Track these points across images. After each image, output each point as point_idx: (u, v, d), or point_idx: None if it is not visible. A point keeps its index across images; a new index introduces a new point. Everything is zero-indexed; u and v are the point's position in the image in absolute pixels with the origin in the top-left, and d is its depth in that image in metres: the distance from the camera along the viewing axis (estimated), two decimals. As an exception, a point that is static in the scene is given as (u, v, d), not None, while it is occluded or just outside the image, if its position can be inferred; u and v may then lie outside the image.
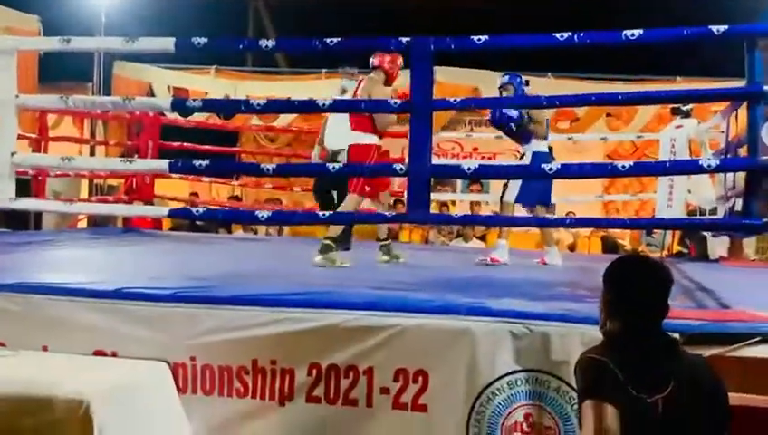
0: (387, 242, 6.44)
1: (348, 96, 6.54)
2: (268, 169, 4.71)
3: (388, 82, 6.31)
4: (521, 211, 6.79)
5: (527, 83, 6.86)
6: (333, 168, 4.81)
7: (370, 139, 6.11)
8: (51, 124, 9.15)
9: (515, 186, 6.43)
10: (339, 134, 6.65)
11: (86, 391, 3.28)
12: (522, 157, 6.80)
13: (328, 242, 5.64)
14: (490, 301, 3.87)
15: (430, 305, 3.70)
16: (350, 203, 5.92)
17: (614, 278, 2.64)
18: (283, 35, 14.83)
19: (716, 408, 2.47)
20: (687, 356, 2.60)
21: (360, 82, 6.40)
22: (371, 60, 6.22)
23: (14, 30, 9.56)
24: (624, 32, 4.20)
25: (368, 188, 5.98)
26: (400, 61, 6.18)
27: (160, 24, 11.43)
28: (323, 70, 12.34)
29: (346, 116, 6.18)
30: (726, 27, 4.15)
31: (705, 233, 7.75)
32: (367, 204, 6.36)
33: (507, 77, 6.90)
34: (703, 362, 2.67)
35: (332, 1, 11.23)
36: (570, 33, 4.21)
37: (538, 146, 6.60)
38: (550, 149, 6.73)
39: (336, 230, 5.73)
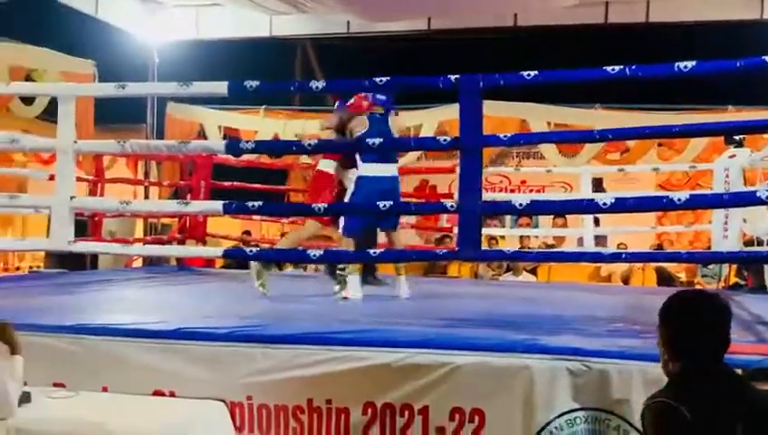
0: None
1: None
2: (320, 209, 4.75)
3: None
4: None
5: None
6: (384, 206, 4.83)
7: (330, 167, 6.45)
8: (105, 165, 9.34)
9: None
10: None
11: (146, 432, 3.33)
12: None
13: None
14: (546, 338, 3.84)
15: (486, 343, 3.69)
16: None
17: (673, 316, 2.58)
18: (329, 73, 15.01)
19: None
20: (756, 392, 2.53)
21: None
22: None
23: (69, 75, 9.80)
24: (677, 64, 4.17)
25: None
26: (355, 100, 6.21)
27: (208, 65, 11.67)
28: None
29: None
30: (780, 57, 4.10)
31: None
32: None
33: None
34: None
35: (377, 38, 11.36)
36: (621, 67, 4.19)
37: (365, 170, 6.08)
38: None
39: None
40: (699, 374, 2.48)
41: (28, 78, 9.64)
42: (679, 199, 4.18)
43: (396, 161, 6.17)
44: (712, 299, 2.63)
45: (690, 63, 4.16)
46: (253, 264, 6.02)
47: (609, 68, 4.22)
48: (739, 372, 3.06)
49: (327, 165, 6.54)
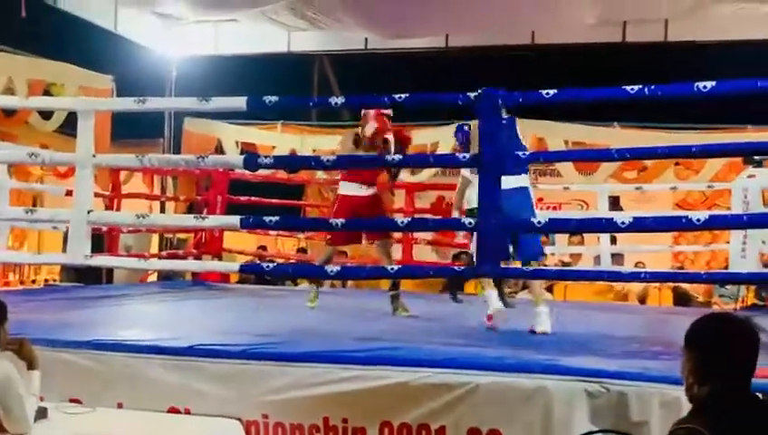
0: (395, 292, 6.21)
1: None
2: (337, 225, 4.74)
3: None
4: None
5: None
6: (402, 222, 4.81)
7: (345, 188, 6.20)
8: (122, 180, 9.37)
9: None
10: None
11: (161, 449, 3.32)
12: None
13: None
14: (564, 358, 3.81)
15: (504, 363, 3.66)
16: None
17: (703, 339, 2.52)
18: (346, 89, 15.03)
19: None
20: None
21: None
22: None
23: (87, 89, 9.84)
24: (696, 84, 4.14)
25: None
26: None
27: (226, 80, 11.70)
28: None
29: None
30: (803, 77, 4.07)
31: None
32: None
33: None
34: None
35: (394, 54, 11.42)
36: (640, 86, 4.17)
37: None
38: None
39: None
40: (728, 400, 2.42)
41: (47, 92, 9.70)
42: (699, 220, 4.14)
43: (524, 172, 5.39)
44: (742, 322, 2.56)
45: (710, 83, 4.12)
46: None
47: (628, 87, 4.20)
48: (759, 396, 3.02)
49: (346, 187, 6.21)
